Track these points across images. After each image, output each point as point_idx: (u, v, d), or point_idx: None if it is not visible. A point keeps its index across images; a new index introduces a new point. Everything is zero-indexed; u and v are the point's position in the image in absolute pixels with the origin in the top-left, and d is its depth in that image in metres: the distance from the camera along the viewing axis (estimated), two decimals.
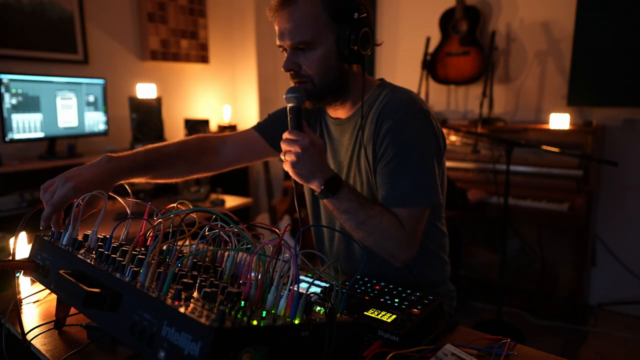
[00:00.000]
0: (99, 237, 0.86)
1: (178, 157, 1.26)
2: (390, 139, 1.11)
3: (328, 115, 1.29)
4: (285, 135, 1.03)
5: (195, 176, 1.34)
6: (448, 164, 2.34)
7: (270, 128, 1.37)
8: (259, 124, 1.40)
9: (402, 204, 1.10)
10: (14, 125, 2.44)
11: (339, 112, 1.25)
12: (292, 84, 1.13)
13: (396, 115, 1.11)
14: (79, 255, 0.78)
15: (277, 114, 1.39)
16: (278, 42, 1.12)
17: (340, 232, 1.27)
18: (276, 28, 1.11)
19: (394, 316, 0.85)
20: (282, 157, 1.05)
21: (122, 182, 1.10)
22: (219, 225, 0.83)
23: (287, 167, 1.04)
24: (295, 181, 1.09)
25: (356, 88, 1.19)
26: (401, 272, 1.18)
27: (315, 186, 1.05)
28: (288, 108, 1.05)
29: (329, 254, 1.35)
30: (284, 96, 1.05)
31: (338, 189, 1.05)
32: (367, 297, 0.94)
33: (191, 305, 0.59)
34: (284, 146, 1.03)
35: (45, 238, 0.91)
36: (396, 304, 0.91)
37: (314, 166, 1.02)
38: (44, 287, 0.86)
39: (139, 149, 1.20)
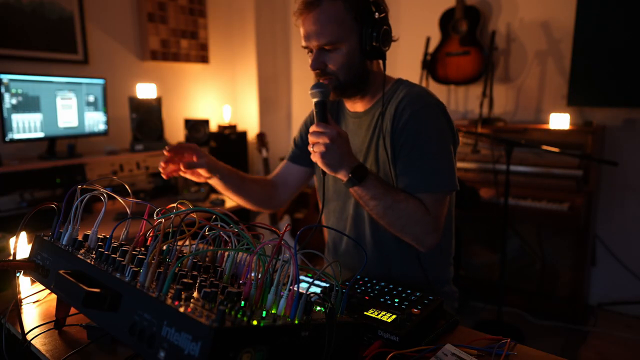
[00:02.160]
0: (99, 237, 0.86)
1: (259, 193, 1.44)
2: (409, 129, 1.16)
3: (347, 110, 1.36)
4: (313, 128, 1.08)
5: (260, 210, 1.53)
6: None
7: (298, 153, 1.48)
8: (291, 154, 1.51)
9: (426, 189, 1.15)
10: (14, 125, 2.44)
11: (357, 106, 1.31)
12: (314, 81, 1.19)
13: (415, 106, 1.17)
14: (79, 255, 0.78)
15: (299, 135, 1.49)
16: (304, 44, 1.18)
17: (349, 237, 1.31)
18: (302, 30, 1.17)
19: (394, 316, 0.85)
20: (311, 149, 1.09)
21: (216, 178, 1.30)
22: (219, 225, 0.83)
23: (316, 158, 1.08)
24: (321, 177, 1.17)
25: (375, 83, 1.25)
26: (409, 272, 1.21)
27: (342, 175, 1.09)
28: (314, 102, 1.09)
29: (351, 253, 1.36)
30: (309, 91, 1.10)
31: (365, 176, 1.09)
32: (367, 297, 0.94)
33: (191, 305, 0.59)
34: (312, 138, 1.08)
35: (45, 238, 0.91)
36: (396, 304, 0.91)
37: (342, 156, 1.07)
38: (44, 287, 0.86)
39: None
